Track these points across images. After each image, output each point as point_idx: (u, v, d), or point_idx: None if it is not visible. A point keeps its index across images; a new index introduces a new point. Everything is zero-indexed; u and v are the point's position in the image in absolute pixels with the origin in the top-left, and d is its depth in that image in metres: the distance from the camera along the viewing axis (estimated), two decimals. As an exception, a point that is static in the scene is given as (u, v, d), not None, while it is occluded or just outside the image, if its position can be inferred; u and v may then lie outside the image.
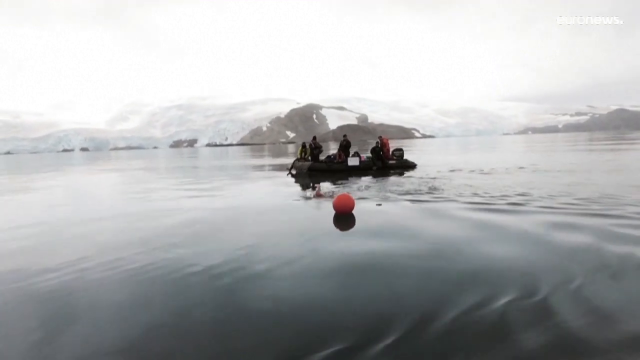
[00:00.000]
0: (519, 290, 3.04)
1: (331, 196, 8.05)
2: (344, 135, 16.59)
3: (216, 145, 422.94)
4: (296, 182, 12.03)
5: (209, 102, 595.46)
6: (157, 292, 3.32)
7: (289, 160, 20.99)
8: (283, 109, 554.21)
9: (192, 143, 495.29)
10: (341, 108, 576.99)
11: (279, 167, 18.96)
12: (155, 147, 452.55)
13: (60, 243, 5.28)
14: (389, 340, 2.39)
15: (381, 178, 11.72)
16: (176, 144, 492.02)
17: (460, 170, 13.14)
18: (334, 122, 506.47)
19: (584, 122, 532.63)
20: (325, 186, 10.23)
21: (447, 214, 6.06)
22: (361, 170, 14.23)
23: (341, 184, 10.69)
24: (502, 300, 2.87)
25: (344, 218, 6.11)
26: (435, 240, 4.58)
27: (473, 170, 12.77)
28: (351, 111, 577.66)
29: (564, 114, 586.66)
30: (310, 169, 14.82)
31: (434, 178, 10.84)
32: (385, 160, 15.04)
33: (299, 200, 8.12)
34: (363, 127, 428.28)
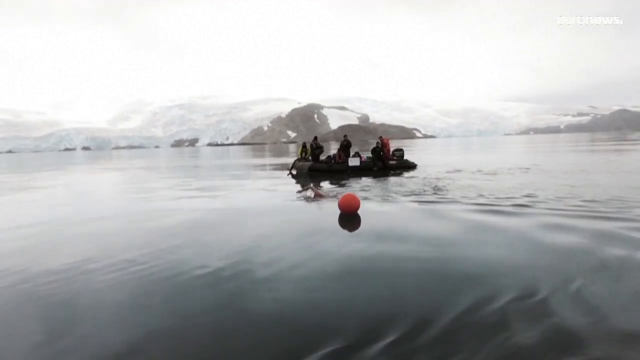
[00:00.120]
0: (521, 291, 3.02)
1: (334, 196, 8.04)
2: (345, 136, 16.56)
3: (217, 145, 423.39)
4: (297, 182, 12.02)
5: (210, 102, 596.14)
6: (158, 293, 3.31)
7: (290, 160, 20.97)
8: (284, 109, 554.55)
9: (193, 142, 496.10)
10: (342, 108, 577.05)
11: (280, 167, 18.96)
12: (156, 147, 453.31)
13: (61, 243, 5.28)
14: (388, 340, 2.38)
15: (383, 178, 11.70)
16: (177, 144, 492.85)
17: (463, 171, 13.10)
18: (335, 122, 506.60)
19: (586, 123, 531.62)
20: (326, 186, 10.21)
21: (452, 215, 5.99)
22: (362, 171, 14.22)
23: (343, 184, 10.68)
24: (510, 304, 2.85)
25: (348, 218, 6.10)
26: (442, 242, 4.54)
27: (476, 171, 12.73)
28: (352, 111, 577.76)
29: (566, 115, 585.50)
30: (310, 169, 14.80)
31: (438, 179, 10.81)
32: (386, 160, 15.02)
33: (299, 200, 8.10)
34: (364, 127, 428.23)
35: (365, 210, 6.50)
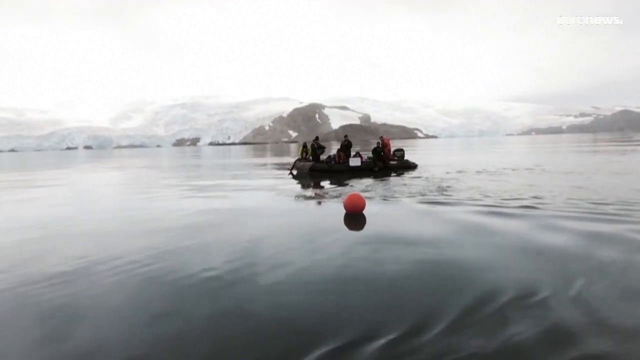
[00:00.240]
0: (522, 291, 3.00)
1: (338, 196, 8.00)
2: (345, 136, 16.54)
3: (219, 144, 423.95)
4: (298, 182, 11.99)
5: (212, 101, 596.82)
6: (158, 295, 3.30)
7: (291, 160, 20.96)
8: (285, 109, 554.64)
9: (195, 142, 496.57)
10: (344, 108, 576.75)
11: (281, 166, 18.94)
12: (158, 146, 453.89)
13: (61, 243, 5.27)
14: (388, 340, 2.37)
15: (384, 179, 11.66)
16: (179, 143, 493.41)
17: (466, 171, 13.02)
18: (336, 122, 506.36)
19: (588, 124, 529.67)
20: (326, 186, 10.17)
21: (458, 217, 5.91)
22: (363, 171, 14.19)
23: (345, 184, 10.64)
24: (512, 303, 2.84)
25: (353, 218, 6.08)
26: (449, 244, 4.51)
27: (480, 172, 12.68)
28: (354, 111, 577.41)
29: (568, 115, 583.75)
30: (311, 169, 14.78)
31: (441, 179, 10.76)
32: (387, 160, 15.00)
33: (300, 200, 8.06)
34: (366, 127, 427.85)
35: (370, 211, 6.46)
